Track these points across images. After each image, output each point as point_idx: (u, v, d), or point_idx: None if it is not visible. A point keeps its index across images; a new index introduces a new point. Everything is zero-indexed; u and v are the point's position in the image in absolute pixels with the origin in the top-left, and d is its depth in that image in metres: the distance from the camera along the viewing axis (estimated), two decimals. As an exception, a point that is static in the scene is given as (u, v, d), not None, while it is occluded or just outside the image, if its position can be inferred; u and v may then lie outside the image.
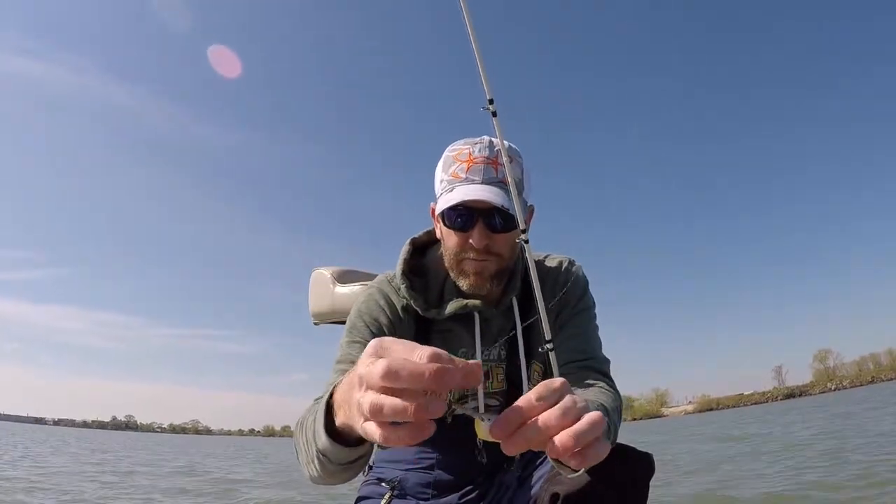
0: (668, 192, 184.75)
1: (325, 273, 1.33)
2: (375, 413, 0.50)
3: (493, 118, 1.01)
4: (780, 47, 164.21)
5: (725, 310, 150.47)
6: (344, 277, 1.32)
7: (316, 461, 0.85)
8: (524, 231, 1.16)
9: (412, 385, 0.49)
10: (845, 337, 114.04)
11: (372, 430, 0.52)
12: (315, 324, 1.45)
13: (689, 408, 79.24)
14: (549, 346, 1.17)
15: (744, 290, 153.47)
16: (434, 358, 0.50)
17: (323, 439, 0.75)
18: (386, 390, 0.50)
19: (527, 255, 1.11)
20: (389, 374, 0.49)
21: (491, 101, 1.00)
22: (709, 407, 74.94)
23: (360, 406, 0.53)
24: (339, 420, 0.70)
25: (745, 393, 78.76)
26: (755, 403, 68.32)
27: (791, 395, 68.40)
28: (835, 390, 60.88)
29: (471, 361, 0.52)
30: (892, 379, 57.06)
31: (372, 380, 0.51)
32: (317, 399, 1.06)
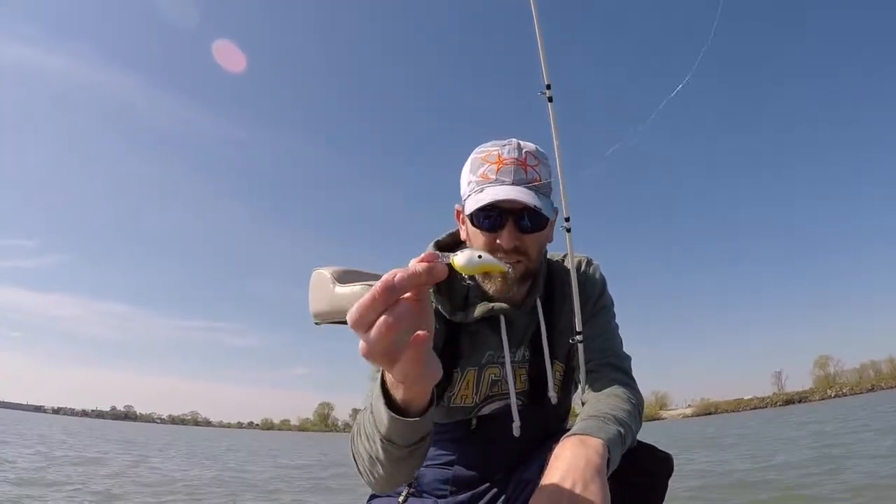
0: (667, 189, 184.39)
1: (326, 273, 1.30)
2: (374, 349, 0.57)
3: (549, 104, 1.02)
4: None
5: (726, 313, 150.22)
6: (345, 277, 1.31)
7: (382, 454, 0.87)
8: (567, 219, 1.18)
9: (374, 312, 0.56)
10: (846, 344, 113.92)
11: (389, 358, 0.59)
12: (316, 324, 1.43)
13: (688, 411, 79.13)
14: (578, 337, 1.19)
15: (746, 294, 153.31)
16: (384, 281, 0.57)
17: (385, 419, 0.78)
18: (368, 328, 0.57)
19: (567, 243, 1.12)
20: (356, 321, 0.57)
21: (548, 87, 1.01)
22: (707, 411, 74.81)
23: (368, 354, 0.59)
24: (399, 396, 0.74)
25: (745, 398, 78.62)
26: (754, 408, 68.25)
27: (790, 401, 68.21)
28: (834, 397, 60.78)
29: (419, 260, 0.59)
30: (892, 387, 56.90)
31: (358, 332, 0.58)
32: (363, 410, 1.08)
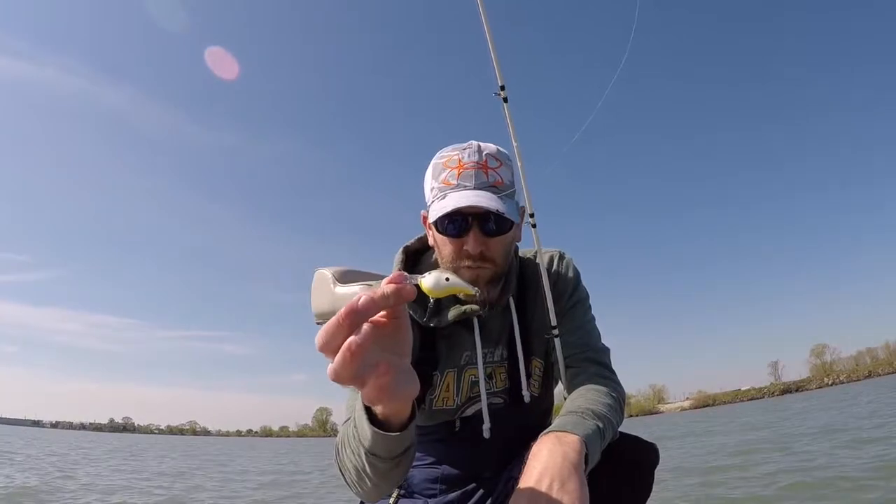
0: (664, 184, 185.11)
1: (327, 273, 1.34)
2: (340, 373, 0.56)
3: (504, 104, 1.03)
4: (788, 36, 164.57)
5: (722, 305, 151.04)
6: (345, 277, 1.31)
7: (367, 467, 0.88)
8: (532, 215, 1.19)
9: (341, 336, 0.56)
10: (842, 332, 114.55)
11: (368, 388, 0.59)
12: (318, 323, 1.43)
13: (686, 404, 79.41)
14: (554, 332, 1.19)
15: (741, 285, 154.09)
16: (347, 305, 0.56)
17: (369, 434, 0.78)
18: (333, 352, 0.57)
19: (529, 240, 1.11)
20: (323, 346, 0.57)
21: (502, 88, 1.02)
22: (705, 403, 75.12)
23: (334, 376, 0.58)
24: (379, 411, 0.76)
25: (742, 389, 78.99)
26: (751, 399, 68.55)
27: (787, 390, 68.61)
28: (832, 385, 61.15)
29: (387, 282, 0.58)
30: (889, 373, 57.31)
31: (326, 356, 0.58)
32: (345, 422, 1.08)
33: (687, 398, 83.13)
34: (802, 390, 64.06)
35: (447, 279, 0.62)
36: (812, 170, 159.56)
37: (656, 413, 74.51)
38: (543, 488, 0.78)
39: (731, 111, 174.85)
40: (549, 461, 0.82)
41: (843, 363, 72.35)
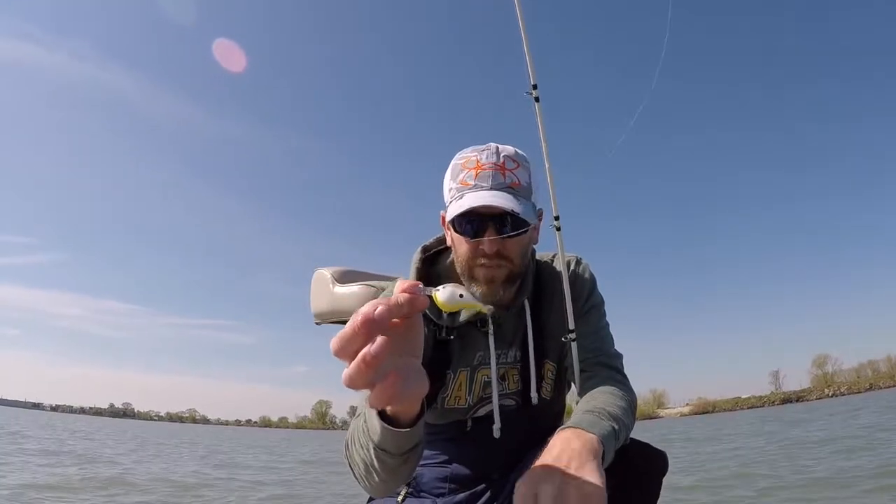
0: (664, 185, 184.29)
1: (326, 273, 1.32)
2: (354, 381, 0.58)
3: (536, 104, 1.04)
4: (788, 36, 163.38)
5: (725, 312, 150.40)
6: (345, 277, 1.31)
7: (376, 462, 0.89)
8: (556, 218, 1.19)
9: (357, 343, 0.58)
10: (844, 343, 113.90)
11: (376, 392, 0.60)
12: (317, 323, 1.44)
13: (685, 410, 79.20)
14: (571, 335, 1.20)
15: (744, 293, 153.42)
16: (364, 314, 0.58)
17: (378, 429, 0.80)
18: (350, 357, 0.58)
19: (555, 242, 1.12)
20: (338, 351, 0.58)
21: (535, 87, 1.02)
22: (705, 410, 74.87)
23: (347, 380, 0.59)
24: (389, 409, 0.77)
25: (743, 396, 78.72)
26: (751, 407, 68.30)
27: (788, 399, 68.30)
28: (832, 396, 60.85)
29: (399, 291, 0.60)
30: (890, 387, 56.95)
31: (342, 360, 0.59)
32: (356, 416, 1.09)
33: (687, 404, 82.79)
34: (803, 400, 63.73)
35: (461, 295, 0.65)
36: (814, 172, 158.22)
37: (655, 418, 74.28)
38: (561, 465, 0.76)
39: (731, 111, 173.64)
40: (566, 446, 0.81)
41: (845, 375, 71.95)
